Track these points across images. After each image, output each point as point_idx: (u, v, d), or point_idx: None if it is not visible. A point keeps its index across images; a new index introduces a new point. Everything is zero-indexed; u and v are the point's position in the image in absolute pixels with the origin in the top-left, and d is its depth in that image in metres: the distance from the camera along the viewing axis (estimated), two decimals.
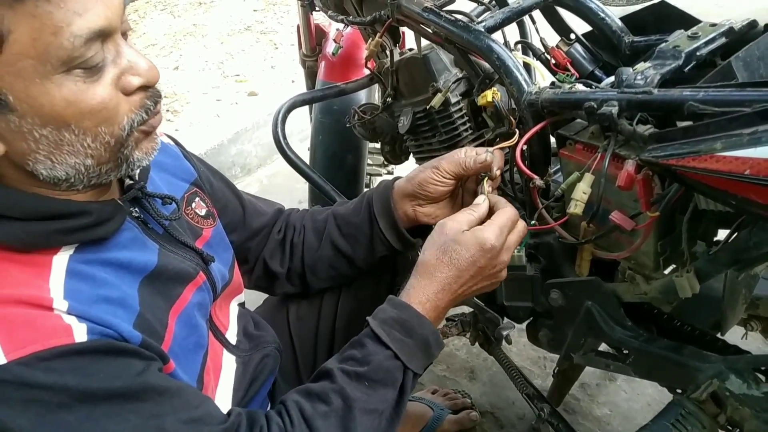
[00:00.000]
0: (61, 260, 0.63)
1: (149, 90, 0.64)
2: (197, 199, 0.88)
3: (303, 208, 1.10)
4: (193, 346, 0.75)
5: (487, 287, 0.82)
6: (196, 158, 0.95)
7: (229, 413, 0.72)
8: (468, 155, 0.88)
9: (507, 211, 0.81)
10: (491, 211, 0.83)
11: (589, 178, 0.71)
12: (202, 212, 0.88)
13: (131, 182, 0.74)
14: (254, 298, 1.15)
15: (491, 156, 0.86)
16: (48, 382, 0.56)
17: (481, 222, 0.81)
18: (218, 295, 0.85)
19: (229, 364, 0.86)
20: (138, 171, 0.73)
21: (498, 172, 0.86)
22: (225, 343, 0.87)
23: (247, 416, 0.72)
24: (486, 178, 0.87)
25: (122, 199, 0.72)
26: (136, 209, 0.74)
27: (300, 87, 1.93)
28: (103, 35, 0.58)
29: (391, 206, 0.95)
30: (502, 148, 0.88)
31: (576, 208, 0.73)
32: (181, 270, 0.75)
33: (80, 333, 0.59)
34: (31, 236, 0.61)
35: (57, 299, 0.60)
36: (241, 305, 0.99)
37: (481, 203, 0.83)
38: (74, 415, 0.58)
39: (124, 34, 0.63)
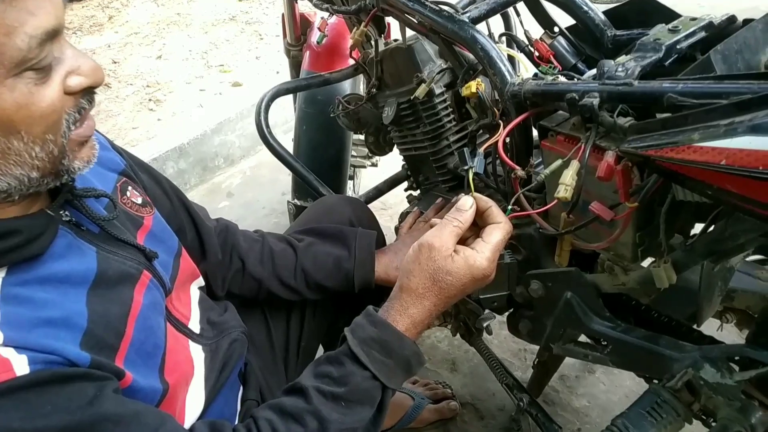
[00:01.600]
0: None
1: (89, 90, 0.61)
2: (130, 188, 0.83)
3: (253, 234, 1.08)
4: (152, 348, 0.72)
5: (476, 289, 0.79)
6: (122, 150, 0.89)
7: (191, 429, 0.70)
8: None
9: (501, 230, 0.75)
10: (478, 212, 0.77)
11: (576, 164, 0.71)
12: (139, 200, 0.83)
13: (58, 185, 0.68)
14: None
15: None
16: None
17: (467, 227, 0.76)
18: (170, 288, 0.81)
19: (197, 354, 0.84)
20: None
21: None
22: (189, 334, 0.84)
23: (212, 430, 0.71)
24: (470, 174, 0.82)
25: (52, 207, 0.66)
26: (67, 212, 0.69)
27: (285, 78, 1.92)
28: (53, 35, 0.55)
29: (372, 281, 1.02)
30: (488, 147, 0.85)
31: (566, 192, 0.71)
32: (123, 273, 0.71)
33: (21, 365, 0.55)
34: None
35: None
36: (202, 289, 0.96)
37: (468, 209, 0.76)
38: None
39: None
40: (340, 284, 1.02)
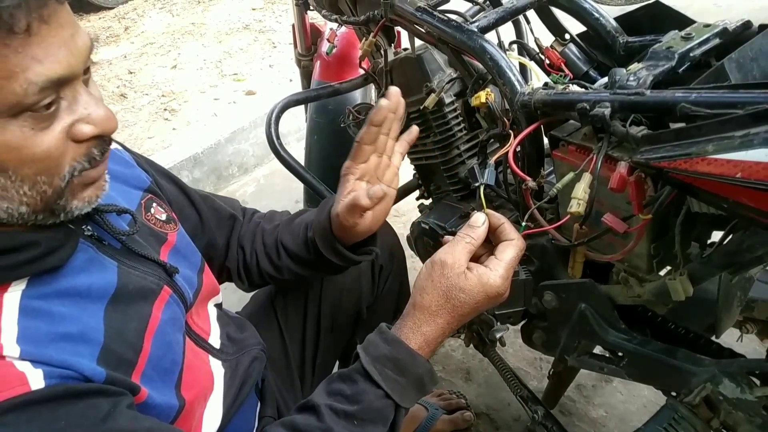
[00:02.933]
0: (12, 298, 0.58)
1: (100, 138, 0.60)
2: (154, 204, 0.84)
3: (251, 219, 1.06)
4: (170, 364, 0.72)
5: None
6: (146, 162, 0.90)
7: None
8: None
9: (515, 247, 0.74)
10: (491, 229, 0.76)
11: (588, 177, 0.70)
12: (163, 217, 0.84)
13: None
14: (239, 298, 1.15)
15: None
16: None
17: (480, 244, 0.75)
18: (191, 304, 0.81)
19: (217, 371, 0.84)
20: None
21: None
22: (209, 349, 0.85)
23: None
24: (482, 190, 0.81)
25: (74, 221, 0.65)
26: (89, 227, 0.69)
27: (298, 86, 1.92)
28: (61, 83, 0.54)
29: (332, 237, 0.92)
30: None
31: (579, 207, 0.70)
32: (143, 288, 0.71)
33: (36, 380, 0.55)
34: None
35: (7, 345, 0.55)
36: (218, 306, 0.97)
37: (480, 225, 0.75)
38: None
39: (87, 72, 0.59)
40: (311, 254, 0.96)
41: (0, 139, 0.53)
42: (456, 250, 0.73)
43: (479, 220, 0.75)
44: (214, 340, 0.87)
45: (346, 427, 0.70)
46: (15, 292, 0.59)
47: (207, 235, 0.97)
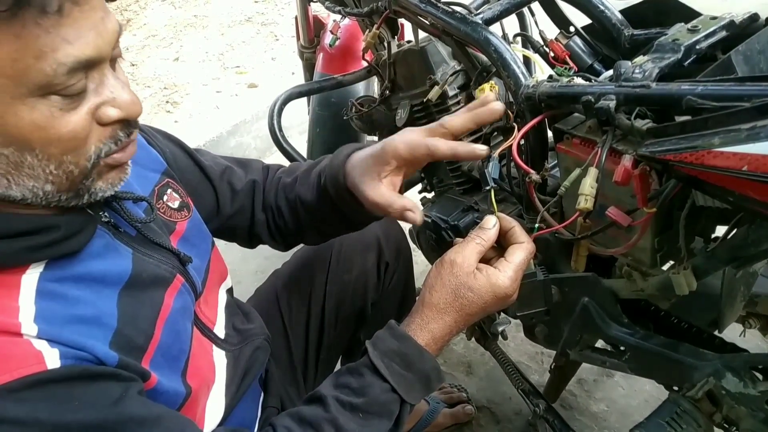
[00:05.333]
0: (30, 280, 0.59)
1: (125, 122, 0.61)
2: (169, 190, 0.84)
3: (276, 173, 1.02)
4: (178, 352, 0.73)
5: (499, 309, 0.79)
6: (162, 136, 0.89)
7: None
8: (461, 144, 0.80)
9: (524, 250, 0.75)
10: (501, 232, 0.77)
11: (594, 171, 0.69)
12: (175, 204, 0.83)
13: None
14: (243, 291, 1.15)
15: (483, 153, 0.78)
16: (19, 415, 0.53)
17: (490, 245, 0.76)
18: (200, 293, 0.82)
19: (219, 360, 0.85)
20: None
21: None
22: (213, 339, 0.85)
23: None
24: (492, 193, 0.80)
25: (92, 207, 0.67)
26: (106, 213, 0.70)
27: (300, 79, 1.91)
28: (89, 65, 0.55)
29: (345, 190, 0.86)
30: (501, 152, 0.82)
31: (587, 203, 0.70)
32: (157, 276, 0.72)
33: (52, 359, 0.56)
34: None
35: (26, 323, 0.56)
36: (229, 292, 0.96)
37: (491, 228, 0.75)
38: None
39: (114, 61, 0.60)
40: (325, 207, 0.91)
41: (28, 118, 0.53)
42: (466, 249, 0.74)
43: (490, 223, 0.76)
44: (219, 329, 0.88)
45: (351, 419, 0.71)
46: (33, 275, 0.60)
47: (224, 212, 0.96)
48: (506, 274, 0.72)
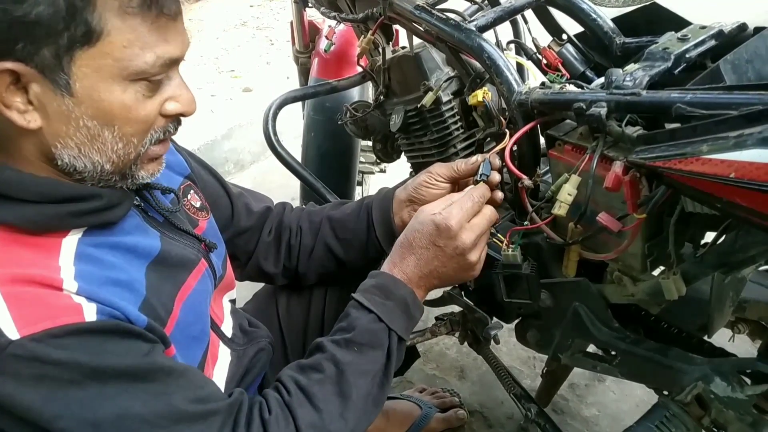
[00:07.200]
0: (70, 243, 0.65)
1: (179, 117, 0.69)
2: (191, 192, 0.90)
3: (297, 206, 1.10)
4: (198, 333, 0.78)
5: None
6: (186, 152, 0.96)
7: (230, 394, 0.74)
8: (460, 160, 0.91)
9: (473, 193, 0.82)
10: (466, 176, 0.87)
11: (575, 179, 0.71)
12: (197, 204, 0.90)
13: None
14: (243, 294, 1.15)
15: (482, 157, 0.87)
16: (60, 358, 0.58)
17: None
18: (217, 284, 0.87)
19: (224, 356, 0.88)
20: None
21: (497, 177, 0.85)
22: (220, 335, 0.88)
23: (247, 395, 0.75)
24: (481, 182, 0.85)
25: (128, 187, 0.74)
26: (137, 198, 0.76)
27: (295, 83, 1.92)
28: (173, 63, 0.64)
29: (390, 215, 0.97)
30: (498, 153, 0.87)
31: (560, 209, 0.73)
32: (183, 256, 0.77)
33: (90, 312, 0.61)
34: (45, 218, 0.63)
35: (67, 280, 0.61)
36: (232, 302, 0.99)
37: (464, 193, 0.84)
38: (85, 392, 0.59)
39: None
40: (360, 224, 1.01)
41: (120, 97, 0.62)
42: (437, 201, 0.84)
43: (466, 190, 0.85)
44: (227, 329, 0.91)
45: (347, 352, 0.76)
46: (73, 238, 0.66)
47: (235, 227, 1.01)
48: (449, 209, 0.80)
